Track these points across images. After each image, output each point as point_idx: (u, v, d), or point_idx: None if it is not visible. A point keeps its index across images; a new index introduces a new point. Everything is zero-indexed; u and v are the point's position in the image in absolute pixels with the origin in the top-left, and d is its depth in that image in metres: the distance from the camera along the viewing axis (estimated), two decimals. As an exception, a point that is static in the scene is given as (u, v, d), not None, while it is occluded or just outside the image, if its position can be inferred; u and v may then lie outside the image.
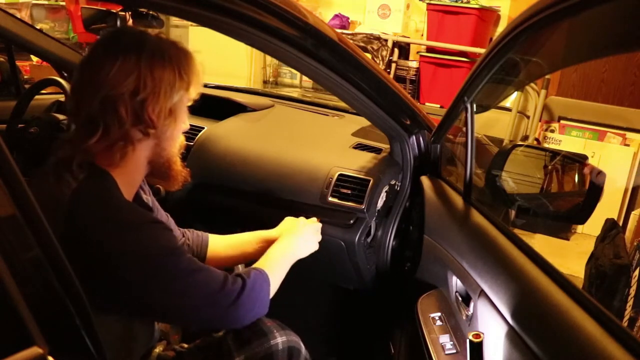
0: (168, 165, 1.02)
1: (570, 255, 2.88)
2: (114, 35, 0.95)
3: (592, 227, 2.68)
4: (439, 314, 1.22)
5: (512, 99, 3.77)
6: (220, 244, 1.34)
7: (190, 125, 1.76)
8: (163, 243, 0.91)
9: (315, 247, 1.28)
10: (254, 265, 1.12)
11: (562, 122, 3.56)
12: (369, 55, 4.36)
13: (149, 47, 0.91)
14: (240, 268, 1.39)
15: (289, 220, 1.34)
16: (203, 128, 1.75)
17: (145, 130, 0.93)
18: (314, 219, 1.36)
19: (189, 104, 1.01)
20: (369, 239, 1.50)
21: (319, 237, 1.30)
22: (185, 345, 1.21)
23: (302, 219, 1.34)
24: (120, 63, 0.88)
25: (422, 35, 4.91)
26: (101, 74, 0.88)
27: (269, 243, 1.24)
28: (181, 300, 0.93)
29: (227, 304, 0.97)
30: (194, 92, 0.99)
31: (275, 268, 1.13)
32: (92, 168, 0.91)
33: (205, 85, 2.35)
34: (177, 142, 1.02)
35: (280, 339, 1.22)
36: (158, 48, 0.92)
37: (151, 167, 1.00)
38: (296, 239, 1.23)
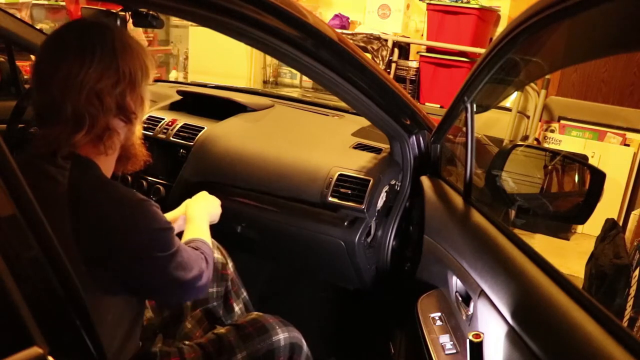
0: (135, 147, 1.06)
1: (570, 255, 2.88)
2: (81, 29, 0.96)
3: (592, 227, 2.69)
4: (439, 314, 1.22)
5: (512, 99, 3.76)
6: None
7: (191, 125, 1.79)
8: (159, 219, 0.95)
9: (219, 208, 1.33)
10: (188, 237, 1.15)
11: (562, 122, 3.56)
12: (369, 55, 4.36)
13: (118, 38, 0.95)
14: None
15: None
16: (203, 128, 1.75)
17: (128, 118, 0.97)
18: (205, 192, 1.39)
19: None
20: (369, 239, 1.50)
21: (218, 201, 1.35)
22: (187, 342, 1.21)
23: None
24: (99, 56, 0.91)
25: (422, 35, 4.91)
26: (83, 69, 0.90)
27: (175, 220, 1.28)
28: (176, 274, 0.95)
29: (205, 276, 1.02)
30: (150, 79, 1.04)
31: (203, 232, 1.19)
32: (78, 159, 0.93)
33: (205, 85, 2.37)
34: (140, 125, 1.08)
35: (282, 335, 1.23)
36: (125, 39, 0.96)
37: (121, 150, 1.04)
38: (200, 201, 1.30)
